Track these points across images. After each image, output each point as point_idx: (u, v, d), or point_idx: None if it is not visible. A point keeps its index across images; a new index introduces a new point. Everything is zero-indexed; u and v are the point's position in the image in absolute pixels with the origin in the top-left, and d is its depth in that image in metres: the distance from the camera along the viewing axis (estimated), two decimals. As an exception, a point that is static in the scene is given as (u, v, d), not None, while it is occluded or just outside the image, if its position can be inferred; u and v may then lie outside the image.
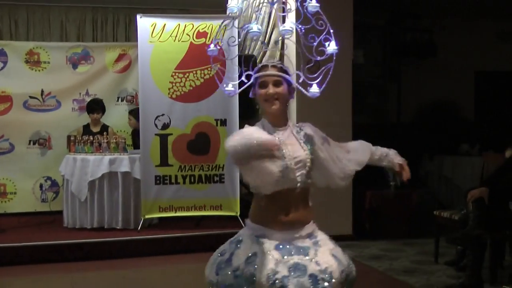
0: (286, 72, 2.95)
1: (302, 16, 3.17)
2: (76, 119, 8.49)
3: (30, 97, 8.61)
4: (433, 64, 9.97)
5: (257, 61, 7.82)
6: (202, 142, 7.21)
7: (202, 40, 7.18)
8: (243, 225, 7.57)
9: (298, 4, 3.20)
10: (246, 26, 3.19)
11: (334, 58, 3.14)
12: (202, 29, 7.20)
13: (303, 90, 3.08)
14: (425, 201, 7.95)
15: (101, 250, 6.53)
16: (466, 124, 10.21)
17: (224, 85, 3.13)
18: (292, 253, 2.76)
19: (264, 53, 7.75)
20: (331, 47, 3.16)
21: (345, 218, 7.41)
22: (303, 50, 3.13)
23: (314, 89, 3.13)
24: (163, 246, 6.76)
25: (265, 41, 7.50)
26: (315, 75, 3.14)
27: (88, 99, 8.47)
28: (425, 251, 6.95)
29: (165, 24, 7.18)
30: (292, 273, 2.67)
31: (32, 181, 8.60)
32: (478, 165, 8.39)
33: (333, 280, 2.73)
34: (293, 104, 7.34)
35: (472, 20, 9.99)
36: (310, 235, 2.92)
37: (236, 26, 3.39)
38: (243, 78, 3.06)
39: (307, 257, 2.76)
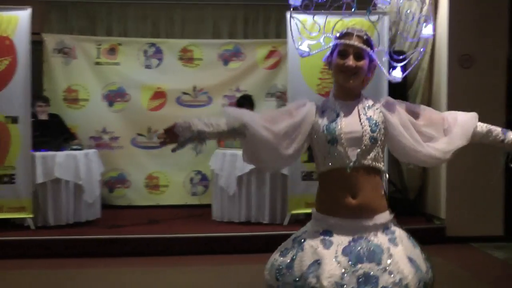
0: (371, 45, 2.63)
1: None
2: (226, 115, 8.62)
3: (183, 93, 8.90)
4: None
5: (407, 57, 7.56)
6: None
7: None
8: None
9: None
10: None
11: (427, 44, 2.75)
12: (352, 25, 6.97)
13: (384, 70, 2.72)
14: None
15: (247, 244, 6.60)
16: None
17: (299, 43, 2.79)
18: (364, 258, 2.45)
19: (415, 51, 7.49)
20: (427, 30, 2.76)
21: (495, 218, 7.12)
22: (397, 28, 2.76)
23: (397, 72, 2.71)
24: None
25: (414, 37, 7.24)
26: (402, 57, 2.77)
27: (238, 95, 8.60)
28: None
29: (315, 21, 7.10)
30: (362, 285, 2.40)
31: (183, 174, 8.89)
32: None
33: None
34: (443, 102, 7.08)
35: None
36: (385, 228, 2.59)
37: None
38: (321, 40, 2.74)
39: (380, 266, 2.44)
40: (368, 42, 2.63)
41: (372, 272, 2.42)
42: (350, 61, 2.57)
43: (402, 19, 7.69)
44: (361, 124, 2.59)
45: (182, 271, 6.03)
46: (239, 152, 7.11)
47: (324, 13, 7.46)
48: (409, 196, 7.81)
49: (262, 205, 7.25)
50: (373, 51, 2.64)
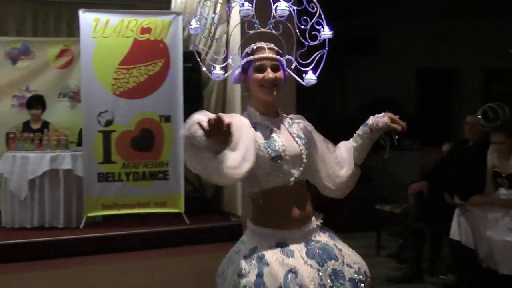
0: (282, 56, 2.71)
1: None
2: (15, 116, 8.22)
3: (-34, 93, 8.35)
4: (376, 61, 10.10)
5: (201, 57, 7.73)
6: (146, 139, 7.12)
7: (146, 36, 7.11)
8: (187, 221, 7.48)
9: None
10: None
11: (327, 44, 2.94)
12: (146, 24, 7.12)
13: (297, 78, 2.86)
14: (368, 195, 8.04)
15: (42, 250, 6.35)
16: (408, 119, 10.34)
17: (212, 68, 2.87)
18: (325, 258, 2.54)
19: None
20: (326, 32, 2.89)
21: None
22: (297, 35, 2.86)
23: (310, 76, 2.84)
24: (107, 244, 6.62)
25: (210, 35, 7.43)
26: (307, 61, 2.92)
27: (28, 95, 8.22)
28: (367, 244, 7.01)
29: (108, 20, 7.07)
30: (335, 282, 2.50)
31: (-32, 180, 8.31)
32: (419, 159, 8.53)
33: (368, 279, 2.61)
34: (237, 101, 7.34)
35: (414, 18, 10.16)
36: (321, 228, 2.70)
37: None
38: (229, 61, 2.78)
39: (338, 261, 2.55)
40: (280, 53, 2.69)
41: (337, 268, 2.53)
42: (270, 74, 2.59)
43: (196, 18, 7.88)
44: (297, 143, 2.64)
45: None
46: (30, 155, 6.97)
47: (119, 12, 7.49)
48: (206, 195, 7.95)
49: (56, 209, 7.01)
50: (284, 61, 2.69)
